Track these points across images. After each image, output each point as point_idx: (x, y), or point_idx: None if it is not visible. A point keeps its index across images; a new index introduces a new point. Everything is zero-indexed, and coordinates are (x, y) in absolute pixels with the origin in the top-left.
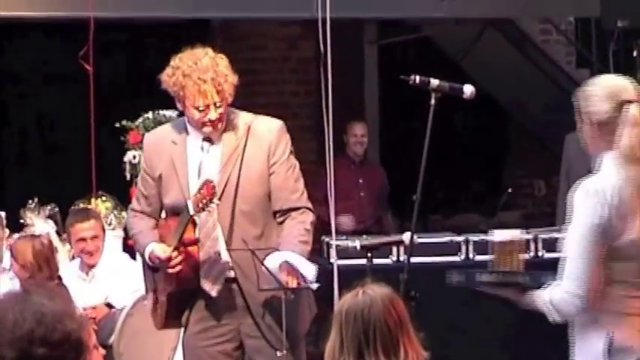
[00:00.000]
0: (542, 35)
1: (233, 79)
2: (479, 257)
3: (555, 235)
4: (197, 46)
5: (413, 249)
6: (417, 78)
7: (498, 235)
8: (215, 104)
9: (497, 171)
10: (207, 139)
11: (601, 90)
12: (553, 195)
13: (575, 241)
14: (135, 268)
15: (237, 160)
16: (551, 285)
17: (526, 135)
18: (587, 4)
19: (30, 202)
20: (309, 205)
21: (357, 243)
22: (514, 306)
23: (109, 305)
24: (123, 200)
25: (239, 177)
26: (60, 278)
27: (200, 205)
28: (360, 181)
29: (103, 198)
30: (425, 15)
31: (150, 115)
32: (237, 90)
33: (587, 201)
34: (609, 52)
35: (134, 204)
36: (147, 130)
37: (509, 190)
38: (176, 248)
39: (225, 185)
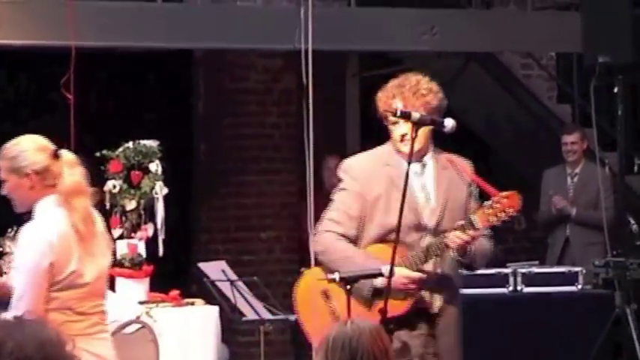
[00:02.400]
0: (524, 70)
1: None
2: None
3: (535, 270)
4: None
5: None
6: (399, 111)
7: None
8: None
9: None
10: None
11: (30, 145)
12: (533, 229)
13: (24, 283)
14: (113, 299)
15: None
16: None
17: (506, 169)
18: (569, 40)
19: (9, 230)
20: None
21: (336, 275)
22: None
23: None
24: None
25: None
26: None
27: (495, 217)
28: None
29: None
30: (407, 48)
31: (130, 144)
32: (219, 121)
33: (31, 247)
34: (590, 88)
35: (333, 227)
36: (127, 159)
37: None
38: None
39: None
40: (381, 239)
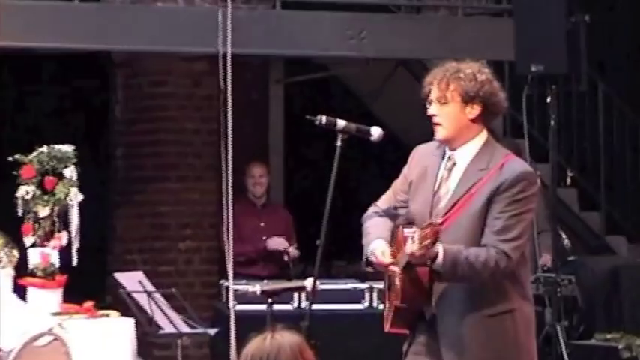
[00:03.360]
0: None
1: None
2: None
3: None
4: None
5: (315, 295)
6: (324, 118)
7: None
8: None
9: None
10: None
11: None
12: None
13: None
14: (24, 309)
15: None
16: None
17: None
18: (501, 48)
19: None
20: None
21: (257, 287)
22: None
23: None
24: (15, 237)
25: None
26: None
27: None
28: (262, 224)
29: None
30: (333, 54)
31: (45, 149)
32: (138, 126)
33: None
34: (523, 97)
35: (378, 202)
36: (41, 165)
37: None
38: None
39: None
40: (410, 224)
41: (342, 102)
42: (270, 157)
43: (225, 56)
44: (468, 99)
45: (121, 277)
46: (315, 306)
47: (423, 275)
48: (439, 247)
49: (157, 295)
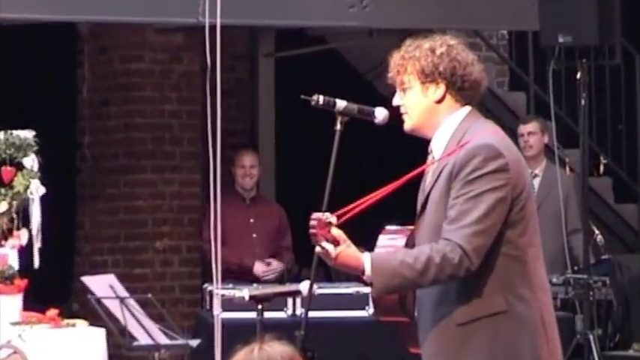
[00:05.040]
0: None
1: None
2: None
3: None
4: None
5: (312, 301)
6: (321, 98)
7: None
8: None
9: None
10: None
11: None
12: None
13: None
14: None
15: None
16: None
17: None
18: (524, 16)
19: None
20: None
21: (245, 292)
22: None
23: None
24: None
25: None
26: None
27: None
28: (252, 220)
29: None
30: (331, 24)
31: (1, 135)
32: (108, 109)
33: None
34: (548, 73)
35: None
36: None
37: None
38: None
39: None
40: None
41: (341, 79)
42: (259, 144)
43: (211, 28)
44: (426, 78)
45: (90, 281)
46: (311, 313)
47: None
48: (364, 257)
49: (131, 302)
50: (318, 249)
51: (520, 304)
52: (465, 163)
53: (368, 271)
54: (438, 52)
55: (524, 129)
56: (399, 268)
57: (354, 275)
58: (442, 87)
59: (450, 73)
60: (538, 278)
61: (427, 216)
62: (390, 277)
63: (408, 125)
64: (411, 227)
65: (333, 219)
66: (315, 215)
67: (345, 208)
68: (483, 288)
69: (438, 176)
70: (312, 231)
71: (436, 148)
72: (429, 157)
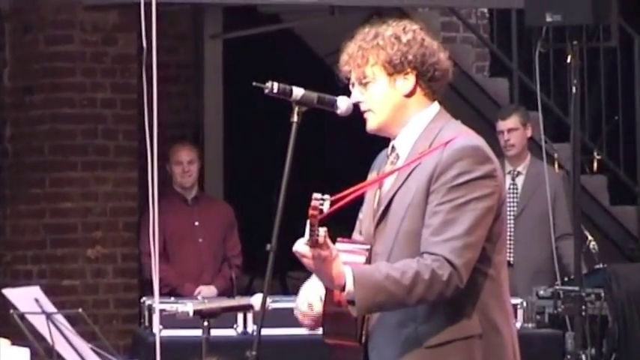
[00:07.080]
0: (446, 32)
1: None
2: None
3: None
4: None
5: (265, 317)
6: (275, 86)
7: None
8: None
9: None
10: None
11: None
12: None
13: None
14: None
15: None
16: None
17: None
18: None
19: None
20: None
21: (189, 307)
22: None
23: None
24: None
25: None
26: None
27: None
28: (197, 223)
29: None
30: (286, 0)
31: None
32: (32, 97)
33: None
34: (535, 57)
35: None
36: None
37: None
38: None
39: None
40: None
41: (298, 64)
42: (205, 136)
43: (147, 4)
44: (394, 69)
45: (12, 293)
46: (264, 331)
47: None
48: (346, 271)
49: (59, 318)
50: (305, 239)
51: (494, 327)
52: (450, 166)
53: (350, 284)
54: (404, 38)
55: (503, 125)
56: (385, 283)
57: None
58: (411, 78)
59: (420, 61)
60: (508, 303)
61: (394, 223)
62: (375, 292)
63: (373, 124)
64: (367, 246)
65: (327, 204)
66: (316, 195)
67: (342, 194)
68: (457, 308)
69: (406, 179)
70: (311, 212)
71: (401, 148)
72: (391, 157)
